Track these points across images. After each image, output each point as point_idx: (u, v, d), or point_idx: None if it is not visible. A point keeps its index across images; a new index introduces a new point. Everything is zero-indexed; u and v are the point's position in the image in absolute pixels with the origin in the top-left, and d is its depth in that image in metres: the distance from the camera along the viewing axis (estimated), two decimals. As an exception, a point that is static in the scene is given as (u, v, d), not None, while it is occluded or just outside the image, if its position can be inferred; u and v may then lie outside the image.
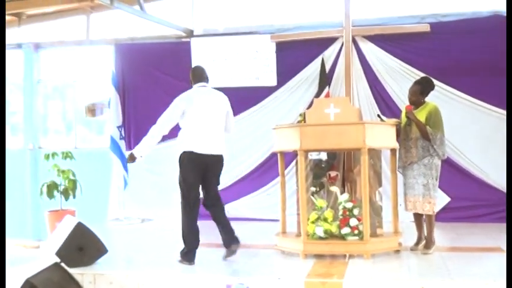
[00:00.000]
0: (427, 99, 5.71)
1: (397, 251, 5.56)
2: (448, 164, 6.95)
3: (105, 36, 9.41)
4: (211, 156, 5.30)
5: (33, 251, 7.10)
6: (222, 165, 5.50)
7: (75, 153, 8.43)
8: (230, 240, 5.43)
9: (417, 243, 5.70)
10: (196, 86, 5.49)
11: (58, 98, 10.27)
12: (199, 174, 5.30)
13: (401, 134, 5.67)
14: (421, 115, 5.54)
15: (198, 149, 5.23)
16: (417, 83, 5.75)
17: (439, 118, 5.54)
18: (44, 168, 8.39)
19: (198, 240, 5.36)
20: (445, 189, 7.20)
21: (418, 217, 5.70)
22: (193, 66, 5.77)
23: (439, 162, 5.55)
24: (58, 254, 5.10)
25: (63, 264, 4.99)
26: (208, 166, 5.32)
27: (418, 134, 5.52)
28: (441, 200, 7.08)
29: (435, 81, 5.95)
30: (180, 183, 5.34)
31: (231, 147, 8.48)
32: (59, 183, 7.97)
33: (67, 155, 8.20)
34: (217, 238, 6.86)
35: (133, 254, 6.07)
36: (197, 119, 5.27)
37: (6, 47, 9.56)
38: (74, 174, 8.06)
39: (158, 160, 8.79)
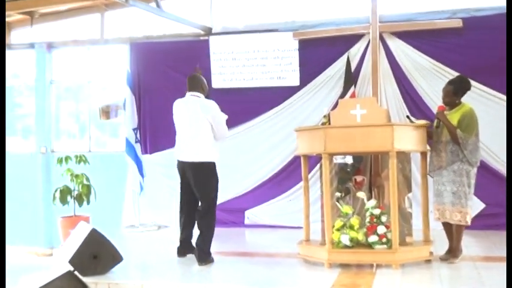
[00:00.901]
0: (463, 99, 5.65)
1: (428, 261, 5.50)
2: (483, 169, 6.84)
3: (120, 35, 9.49)
4: (186, 164, 5.74)
5: (45, 258, 7.19)
6: (202, 174, 5.71)
7: (89, 157, 8.51)
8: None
9: (448, 253, 5.64)
10: (187, 94, 5.91)
11: (71, 99, 10.39)
12: (184, 180, 5.86)
13: (433, 135, 5.63)
14: (454, 117, 5.48)
15: (176, 156, 5.88)
16: (451, 82, 5.69)
17: (473, 121, 5.47)
18: (57, 172, 8.47)
19: (182, 238, 5.94)
20: (479, 195, 7.10)
21: (448, 226, 5.63)
22: (191, 75, 6.11)
23: (473, 169, 5.48)
24: (71, 262, 5.14)
25: (76, 273, 5.03)
26: (188, 174, 5.77)
27: (449, 137, 5.46)
28: (475, 206, 6.99)
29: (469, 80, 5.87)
30: None
31: (251, 151, 8.56)
32: (72, 188, 8.05)
33: (81, 159, 8.27)
34: (237, 246, 6.88)
35: (149, 262, 6.10)
36: (177, 127, 5.88)
37: (19, 46, 9.77)
38: (88, 179, 8.13)
39: (174, 164, 8.82)
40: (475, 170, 5.49)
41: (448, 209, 5.44)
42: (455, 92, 5.58)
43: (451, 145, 5.44)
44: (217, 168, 5.79)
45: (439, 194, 5.52)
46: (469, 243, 6.25)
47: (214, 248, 5.93)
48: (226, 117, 6.03)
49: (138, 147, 8.83)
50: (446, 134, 5.49)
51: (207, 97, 5.93)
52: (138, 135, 8.85)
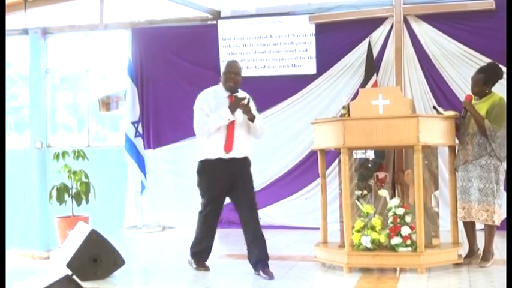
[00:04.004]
0: (494, 88, 5.64)
1: (457, 265, 5.51)
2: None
3: (121, 19, 9.52)
4: None
5: (41, 262, 7.24)
6: None
7: (87, 152, 8.55)
8: None
9: (468, 256, 5.66)
10: None
11: (68, 90, 10.43)
12: None
13: (460, 127, 5.63)
14: (483, 107, 5.48)
15: None
16: (481, 71, 5.68)
17: (503, 112, 5.44)
18: (53, 169, 8.53)
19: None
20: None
21: (469, 226, 5.65)
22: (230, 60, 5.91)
23: (502, 164, 5.46)
24: (69, 265, 5.19)
25: (74, 277, 5.07)
26: None
27: (476, 128, 5.46)
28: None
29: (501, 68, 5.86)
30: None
31: (263, 146, 8.52)
32: (70, 186, 8.09)
33: (79, 154, 8.31)
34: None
35: (153, 266, 6.14)
36: None
37: (11, 32, 9.82)
38: (86, 176, 8.17)
39: (180, 160, 8.87)
40: (504, 165, 5.48)
41: (474, 207, 5.44)
42: (486, 81, 5.57)
43: (479, 137, 5.44)
44: (205, 169, 5.57)
45: (464, 191, 5.52)
46: (501, 245, 6.23)
47: (222, 251, 5.94)
48: (228, 119, 5.37)
49: (138, 142, 8.81)
50: (473, 125, 5.49)
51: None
52: (139, 129, 8.85)
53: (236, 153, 5.46)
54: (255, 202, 5.58)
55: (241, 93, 5.53)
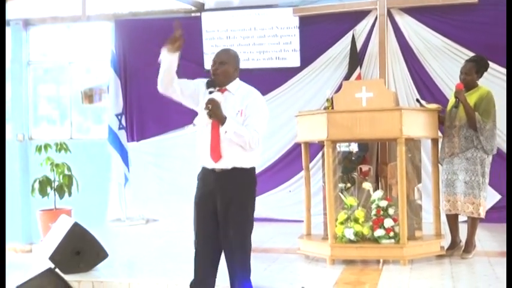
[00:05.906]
0: (479, 82, 5.68)
1: (439, 257, 5.55)
2: (499, 157, 6.88)
3: (104, 11, 9.45)
4: None
5: (24, 255, 7.21)
6: None
7: (70, 144, 8.50)
8: None
9: (450, 248, 5.71)
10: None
11: (51, 82, 10.36)
12: None
13: (446, 120, 5.65)
14: (471, 100, 5.50)
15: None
16: (471, 59, 5.73)
17: (491, 106, 5.50)
18: (36, 162, 8.47)
19: None
20: (494, 186, 7.14)
21: (452, 218, 5.70)
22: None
23: (488, 157, 5.51)
24: (52, 258, 5.16)
25: (57, 270, 5.05)
26: None
27: (463, 121, 5.49)
28: (490, 197, 7.03)
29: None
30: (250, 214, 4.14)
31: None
32: (52, 178, 8.05)
33: (61, 147, 8.27)
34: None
35: (136, 259, 6.13)
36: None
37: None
38: (69, 169, 8.13)
39: (164, 153, 8.85)
40: (490, 158, 5.53)
41: (460, 199, 5.48)
42: (477, 69, 5.61)
43: (465, 130, 5.48)
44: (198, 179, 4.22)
45: (450, 183, 5.56)
46: (483, 237, 6.29)
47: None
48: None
49: (122, 135, 8.79)
50: (460, 118, 5.52)
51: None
52: (122, 122, 8.82)
53: (224, 163, 4.01)
54: (238, 241, 4.01)
55: (238, 88, 4.47)
